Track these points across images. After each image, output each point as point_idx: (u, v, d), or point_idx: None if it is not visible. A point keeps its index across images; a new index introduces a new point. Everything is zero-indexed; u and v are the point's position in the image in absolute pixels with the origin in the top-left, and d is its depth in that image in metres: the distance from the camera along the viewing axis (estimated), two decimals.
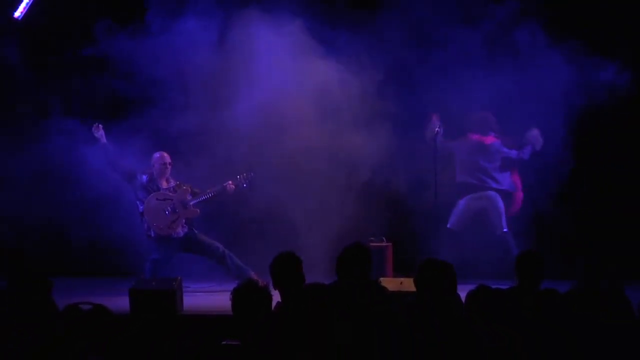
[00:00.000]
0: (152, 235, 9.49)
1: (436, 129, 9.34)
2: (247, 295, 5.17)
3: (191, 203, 9.55)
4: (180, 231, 9.53)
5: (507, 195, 9.87)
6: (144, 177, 9.55)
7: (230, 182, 9.57)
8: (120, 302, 7.50)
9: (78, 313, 5.58)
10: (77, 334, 5.40)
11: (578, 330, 5.31)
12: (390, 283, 7.10)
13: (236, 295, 5.19)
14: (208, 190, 9.60)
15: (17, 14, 10.00)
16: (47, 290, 5.59)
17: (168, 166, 9.59)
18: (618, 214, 10.20)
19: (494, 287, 5.56)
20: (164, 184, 9.61)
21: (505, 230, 9.69)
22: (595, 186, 10.36)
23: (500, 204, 9.74)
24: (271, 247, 8.84)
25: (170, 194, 9.54)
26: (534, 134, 9.71)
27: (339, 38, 9.99)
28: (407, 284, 6.68)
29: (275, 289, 5.73)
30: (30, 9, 9.97)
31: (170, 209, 9.46)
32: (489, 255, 9.63)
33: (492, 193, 9.77)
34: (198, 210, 9.59)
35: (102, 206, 10.22)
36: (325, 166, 9.98)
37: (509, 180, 9.86)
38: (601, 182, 10.33)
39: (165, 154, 9.63)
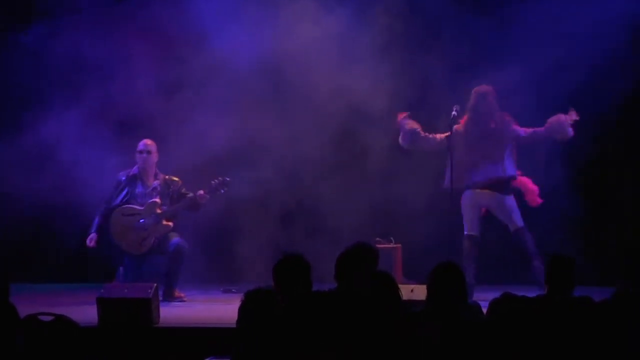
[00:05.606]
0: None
1: (453, 112, 8.69)
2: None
3: (161, 219, 8.81)
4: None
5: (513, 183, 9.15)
6: (122, 177, 8.93)
7: (201, 191, 8.81)
8: (87, 312, 7.20)
9: (37, 324, 5.51)
10: (36, 347, 5.37)
11: (617, 343, 5.13)
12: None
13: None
14: (177, 205, 8.89)
15: None
16: (4, 294, 5.42)
17: (144, 154, 8.87)
18: None
19: (519, 294, 5.42)
20: (150, 181, 8.88)
21: (520, 225, 8.87)
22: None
23: (508, 201, 8.95)
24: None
25: (138, 207, 8.86)
26: (560, 120, 8.86)
27: None
28: (419, 292, 6.31)
29: (279, 295, 5.37)
30: None
31: (138, 226, 8.80)
32: (510, 258, 9.30)
33: (497, 194, 9.01)
34: (171, 224, 8.86)
35: (67, 210, 9.74)
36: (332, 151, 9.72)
37: (513, 165, 9.03)
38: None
39: (147, 141, 8.92)
